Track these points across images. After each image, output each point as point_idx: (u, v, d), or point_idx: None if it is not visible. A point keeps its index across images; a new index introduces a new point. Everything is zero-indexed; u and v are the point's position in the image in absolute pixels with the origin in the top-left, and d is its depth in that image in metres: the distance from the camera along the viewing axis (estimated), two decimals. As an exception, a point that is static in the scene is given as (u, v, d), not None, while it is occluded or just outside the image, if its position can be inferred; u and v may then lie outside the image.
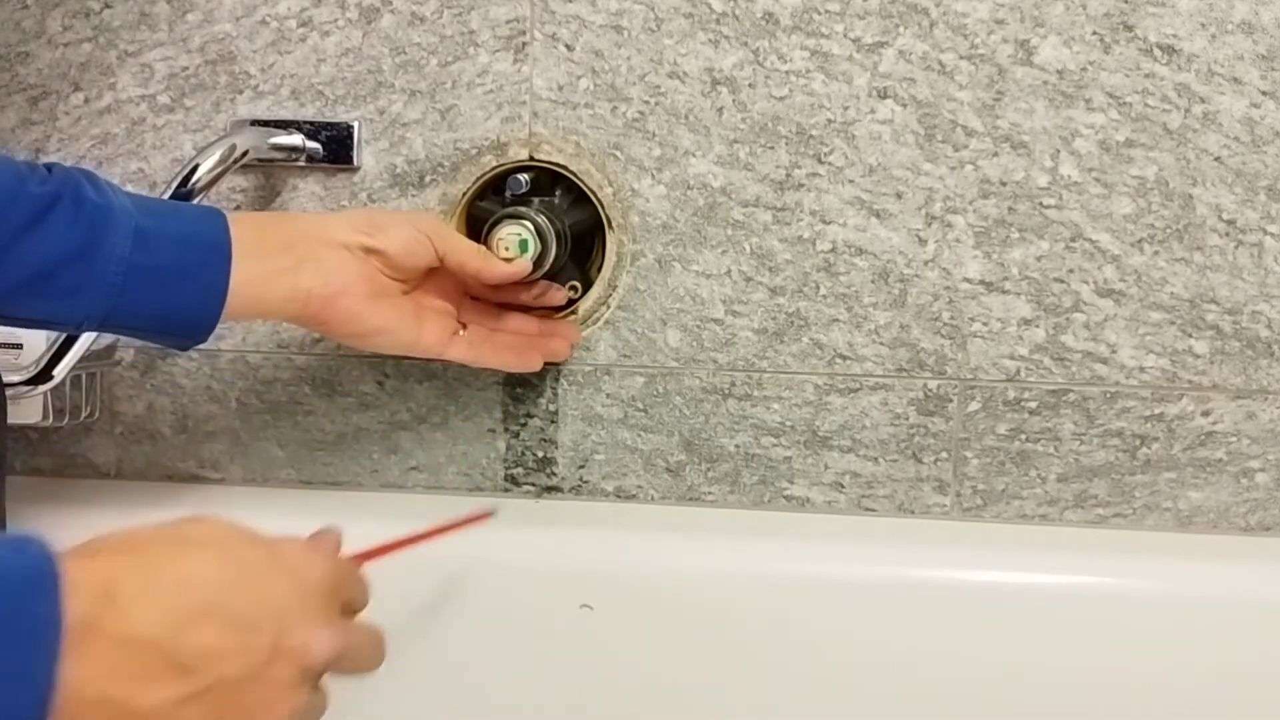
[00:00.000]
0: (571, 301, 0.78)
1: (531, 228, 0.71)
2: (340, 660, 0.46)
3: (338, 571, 0.49)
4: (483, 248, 0.70)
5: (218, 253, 0.62)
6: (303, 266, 0.64)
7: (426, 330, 0.69)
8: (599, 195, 0.77)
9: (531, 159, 0.77)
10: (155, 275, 0.61)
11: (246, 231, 0.63)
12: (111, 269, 0.60)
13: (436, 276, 0.71)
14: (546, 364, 0.78)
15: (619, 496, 0.80)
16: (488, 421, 0.80)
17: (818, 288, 0.76)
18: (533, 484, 0.81)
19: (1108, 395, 0.76)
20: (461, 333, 0.72)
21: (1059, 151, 0.74)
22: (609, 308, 0.78)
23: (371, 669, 0.49)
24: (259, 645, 0.43)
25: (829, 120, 0.74)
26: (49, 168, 0.61)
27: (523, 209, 0.72)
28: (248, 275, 0.63)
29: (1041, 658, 0.73)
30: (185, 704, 0.41)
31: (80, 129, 0.79)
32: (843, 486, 0.79)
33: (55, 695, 0.38)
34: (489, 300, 0.74)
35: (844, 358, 0.77)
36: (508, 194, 0.75)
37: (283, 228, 0.66)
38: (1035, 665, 0.73)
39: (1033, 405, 0.76)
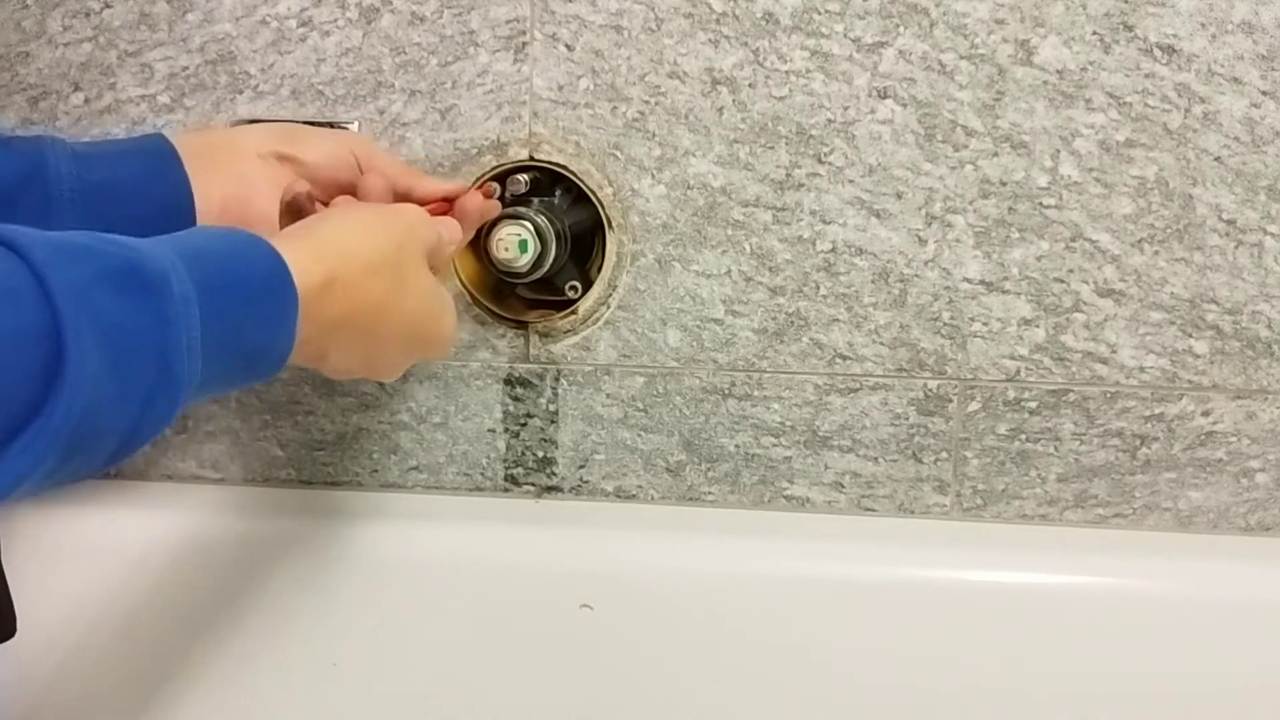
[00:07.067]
0: (571, 301, 0.78)
1: (531, 228, 0.71)
2: (441, 249, 0.60)
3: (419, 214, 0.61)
4: (410, 165, 0.71)
5: (163, 157, 0.65)
6: (214, 172, 0.65)
7: None
8: (599, 195, 0.77)
9: (531, 159, 0.77)
10: (111, 191, 0.62)
11: (180, 141, 0.66)
12: (65, 187, 0.61)
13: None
14: (546, 363, 0.78)
15: (619, 496, 0.80)
16: (488, 421, 0.80)
17: (818, 288, 0.76)
18: (533, 484, 0.81)
19: (1108, 395, 0.76)
20: None
21: (1059, 151, 0.73)
22: (609, 308, 0.78)
23: (450, 325, 0.61)
24: (398, 235, 0.57)
25: (829, 120, 0.74)
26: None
27: (522, 209, 0.72)
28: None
29: (1042, 658, 0.73)
30: (394, 286, 0.55)
31: (80, 129, 0.79)
32: (843, 486, 0.79)
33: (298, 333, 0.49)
34: None
35: (844, 358, 0.77)
36: (507, 194, 0.75)
37: (201, 138, 0.68)
38: (1035, 665, 0.73)
39: (1033, 405, 0.76)
